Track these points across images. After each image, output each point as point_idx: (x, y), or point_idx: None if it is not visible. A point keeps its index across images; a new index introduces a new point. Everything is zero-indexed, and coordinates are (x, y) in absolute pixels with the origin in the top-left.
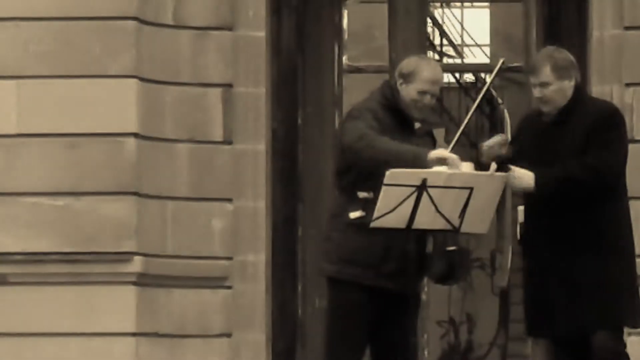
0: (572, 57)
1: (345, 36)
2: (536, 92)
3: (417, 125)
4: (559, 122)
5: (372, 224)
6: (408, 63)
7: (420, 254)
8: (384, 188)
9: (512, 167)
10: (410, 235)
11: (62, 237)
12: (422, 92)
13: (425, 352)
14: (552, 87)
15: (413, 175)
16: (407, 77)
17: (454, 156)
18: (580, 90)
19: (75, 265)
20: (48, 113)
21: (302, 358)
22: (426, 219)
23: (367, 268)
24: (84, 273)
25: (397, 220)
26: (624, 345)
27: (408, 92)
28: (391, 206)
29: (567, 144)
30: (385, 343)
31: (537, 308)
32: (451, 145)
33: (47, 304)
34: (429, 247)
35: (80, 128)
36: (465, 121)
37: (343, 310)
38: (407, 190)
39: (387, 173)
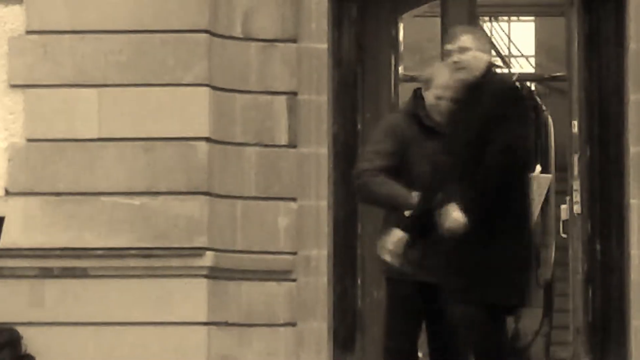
0: (487, 36)
1: (401, 48)
2: (454, 58)
3: None
4: (464, 100)
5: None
6: (429, 69)
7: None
8: None
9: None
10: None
11: (139, 234)
12: (438, 97)
13: None
14: (471, 53)
15: None
16: (427, 84)
17: None
18: (492, 70)
19: (151, 260)
20: (126, 119)
21: (361, 346)
22: None
23: (410, 264)
24: (159, 267)
25: None
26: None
27: (428, 97)
28: None
29: (464, 123)
30: (436, 331)
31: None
32: None
33: (125, 295)
34: None
35: (156, 132)
36: None
37: (393, 303)
38: None
39: None
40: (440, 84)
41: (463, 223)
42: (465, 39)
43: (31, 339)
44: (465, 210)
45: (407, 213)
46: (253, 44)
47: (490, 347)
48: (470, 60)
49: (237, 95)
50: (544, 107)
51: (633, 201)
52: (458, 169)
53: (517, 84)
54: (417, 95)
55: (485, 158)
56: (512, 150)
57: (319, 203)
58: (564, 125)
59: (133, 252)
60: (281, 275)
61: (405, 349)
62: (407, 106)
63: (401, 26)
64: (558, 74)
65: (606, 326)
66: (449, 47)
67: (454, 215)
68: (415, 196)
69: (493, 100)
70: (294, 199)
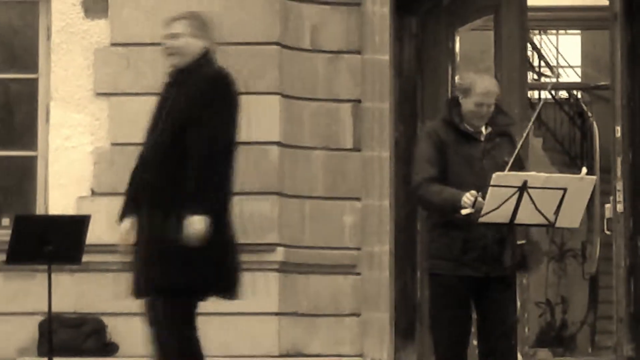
0: (208, 23)
1: (457, 59)
2: (165, 43)
3: (487, 129)
4: (174, 83)
5: (480, 220)
6: (465, 79)
7: (498, 245)
8: (490, 189)
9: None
10: (487, 230)
11: None
12: (479, 104)
13: (526, 329)
14: (183, 40)
15: (516, 177)
16: (465, 92)
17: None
18: (208, 56)
19: None
20: None
21: (420, 334)
22: (526, 215)
23: (450, 261)
24: None
25: (501, 216)
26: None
27: (467, 104)
28: (496, 204)
29: (170, 106)
30: (484, 321)
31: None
32: (512, 157)
33: None
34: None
35: None
36: (524, 136)
37: (438, 296)
38: (510, 191)
39: (494, 176)
40: (481, 91)
41: (205, 230)
42: (178, 25)
43: (115, 328)
44: (207, 212)
45: (464, 212)
46: (320, 55)
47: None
48: (182, 46)
49: (306, 102)
50: (589, 114)
51: None
52: (160, 152)
53: (227, 73)
54: (453, 103)
55: (191, 148)
56: (216, 140)
57: (381, 202)
58: (608, 131)
59: None
60: (346, 269)
61: (454, 340)
62: (443, 114)
63: (457, 39)
64: (602, 83)
65: None
66: (164, 32)
67: (197, 226)
68: (470, 195)
69: (197, 86)
70: (358, 199)
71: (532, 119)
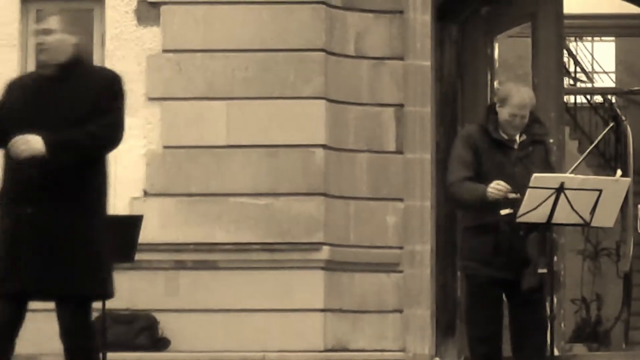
0: (79, 18)
1: (496, 65)
2: (38, 39)
3: (521, 137)
4: (59, 78)
5: (518, 219)
6: (503, 88)
7: (525, 251)
8: (529, 190)
9: (17, 138)
10: (515, 236)
11: (263, 230)
12: (513, 115)
13: (562, 325)
14: (55, 36)
15: (553, 179)
16: (502, 101)
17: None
18: (81, 52)
19: (274, 254)
20: (252, 128)
21: (460, 330)
22: (563, 215)
23: (481, 262)
24: (281, 260)
25: (538, 216)
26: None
27: (502, 113)
28: (534, 205)
29: (67, 101)
30: (515, 318)
31: (6, 263)
32: (576, 164)
33: (250, 285)
34: (529, 248)
35: (278, 140)
36: (588, 151)
37: (471, 295)
38: (547, 192)
39: (532, 177)
40: (516, 103)
41: (39, 152)
42: (51, 21)
43: (167, 324)
44: (50, 144)
45: (503, 212)
46: (364, 61)
47: None
48: (54, 42)
49: (350, 107)
50: (623, 118)
51: None
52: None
53: (118, 75)
54: (491, 110)
55: (90, 127)
56: (120, 129)
57: (423, 203)
58: None
59: (258, 246)
60: (389, 267)
61: (487, 336)
62: (481, 119)
63: (496, 45)
64: (636, 88)
65: None
66: (36, 27)
67: (34, 142)
68: (496, 185)
69: (101, 87)
70: (400, 200)
71: (596, 141)
